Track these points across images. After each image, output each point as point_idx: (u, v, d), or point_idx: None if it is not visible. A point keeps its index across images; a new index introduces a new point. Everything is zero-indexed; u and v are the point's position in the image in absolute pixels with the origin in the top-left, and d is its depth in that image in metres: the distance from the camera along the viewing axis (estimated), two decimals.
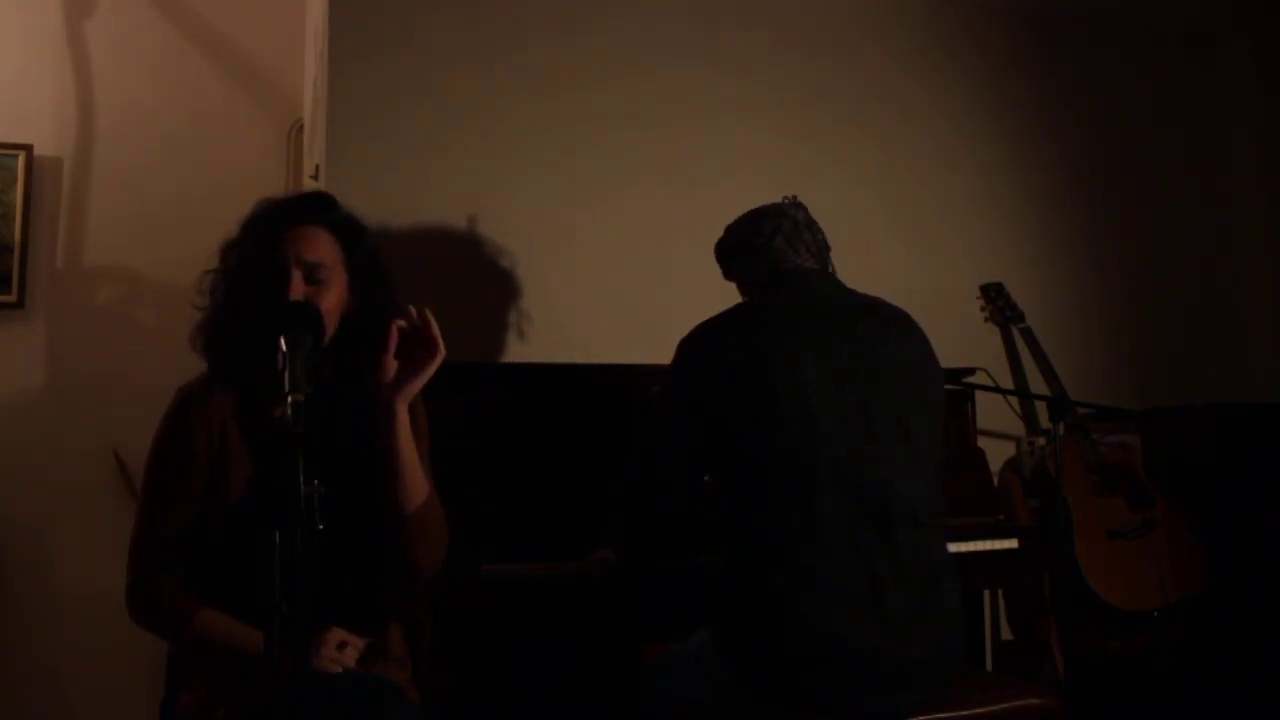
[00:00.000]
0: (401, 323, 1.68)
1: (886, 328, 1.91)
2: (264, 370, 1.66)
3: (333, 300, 1.72)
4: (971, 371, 2.91)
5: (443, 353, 1.68)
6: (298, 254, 1.69)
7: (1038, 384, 3.19)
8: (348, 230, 1.80)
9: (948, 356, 2.09)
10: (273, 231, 1.72)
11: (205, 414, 1.71)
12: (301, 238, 1.71)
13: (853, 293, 1.96)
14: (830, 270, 2.01)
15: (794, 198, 2.05)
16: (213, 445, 1.69)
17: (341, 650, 1.66)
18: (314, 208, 1.79)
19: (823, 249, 2.01)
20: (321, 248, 1.73)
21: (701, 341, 1.90)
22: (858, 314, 1.91)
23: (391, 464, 1.68)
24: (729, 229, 2.08)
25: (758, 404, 1.77)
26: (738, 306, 1.98)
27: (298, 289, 1.67)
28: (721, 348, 1.86)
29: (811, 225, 2.01)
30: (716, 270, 2.18)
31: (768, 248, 1.97)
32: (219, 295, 1.75)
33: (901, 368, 1.87)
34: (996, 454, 3.22)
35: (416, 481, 1.71)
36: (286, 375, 1.34)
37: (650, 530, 1.96)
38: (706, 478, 1.89)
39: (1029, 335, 3.21)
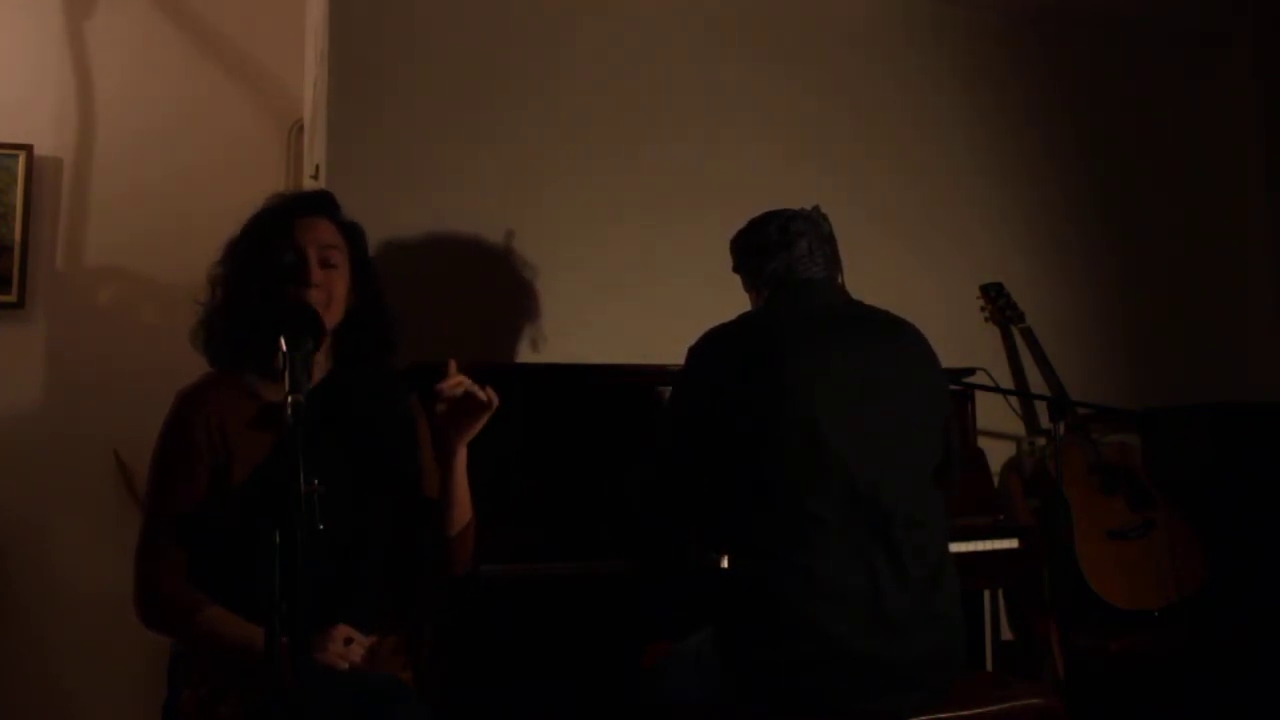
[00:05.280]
0: (449, 387, 1.73)
1: (889, 334, 1.93)
2: (267, 359, 1.71)
3: (343, 286, 1.80)
4: (971, 371, 2.91)
5: (495, 403, 1.75)
6: (313, 238, 1.77)
7: (1038, 384, 3.19)
8: (350, 229, 1.88)
9: (948, 356, 2.10)
10: (284, 220, 1.79)
11: (205, 414, 1.72)
12: (312, 226, 1.80)
13: (858, 302, 1.98)
14: (840, 282, 2.02)
15: (818, 208, 2.06)
16: (214, 444, 1.71)
17: (347, 646, 1.66)
18: (322, 202, 1.87)
19: (834, 262, 2.03)
20: (332, 235, 1.81)
21: (709, 347, 1.93)
22: (861, 322, 1.93)
23: (447, 495, 1.80)
24: (753, 222, 2.08)
25: (761, 407, 1.79)
26: (745, 315, 2.01)
27: (316, 272, 1.74)
28: (728, 353, 1.89)
29: (832, 239, 2.04)
30: (718, 274, 2.19)
31: (789, 248, 1.98)
32: (225, 289, 1.80)
33: (903, 373, 1.89)
34: (996, 454, 3.22)
35: (465, 507, 1.82)
36: (287, 375, 1.35)
37: (668, 533, 1.97)
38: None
39: (1029, 335, 3.22)
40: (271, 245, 1.76)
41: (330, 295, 1.76)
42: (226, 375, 1.78)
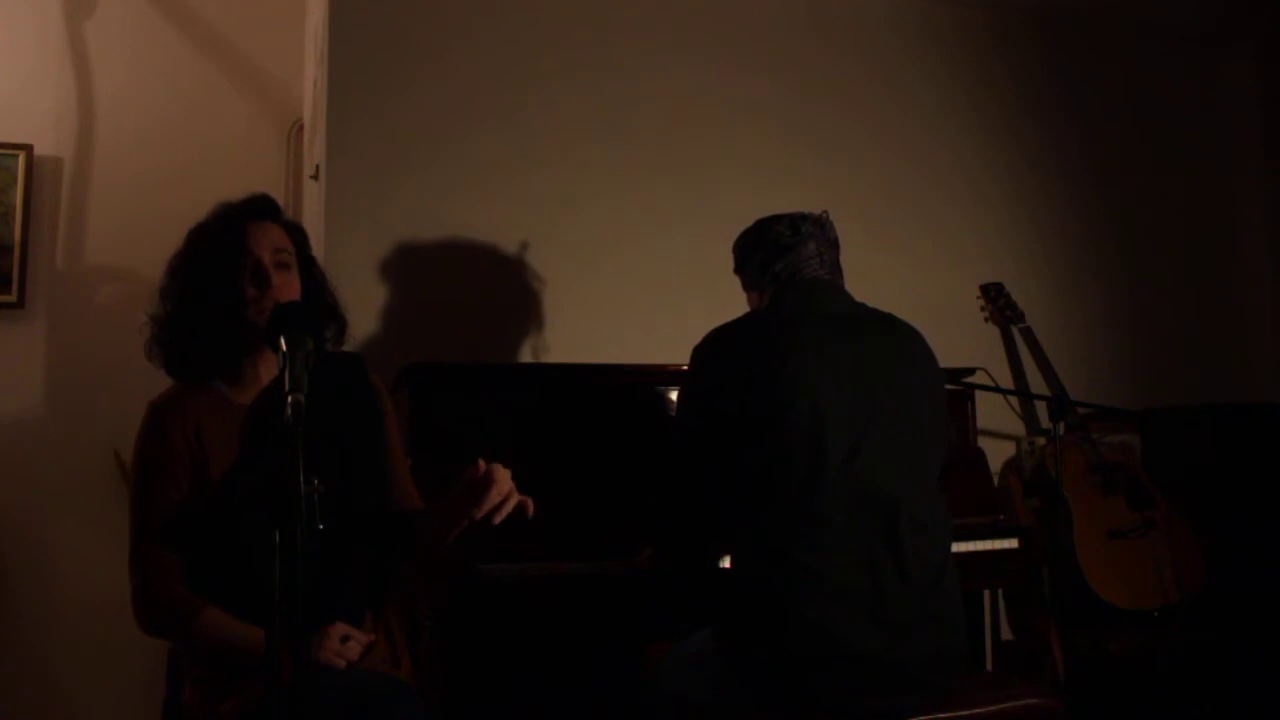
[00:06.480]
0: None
1: (891, 336, 1.93)
2: (232, 366, 1.73)
3: (297, 285, 1.83)
4: (971, 371, 2.91)
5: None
6: (266, 243, 1.80)
7: (1038, 384, 3.19)
8: (295, 229, 1.91)
9: (948, 356, 2.10)
10: (234, 228, 1.81)
11: (180, 419, 1.74)
12: (263, 231, 1.82)
13: (861, 305, 1.98)
14: (842, 286, 2.03)
15: (826, 213, 2.06)
16: (191, 447, 1.72)
17: (344, 644, 1.66)
18: (267, 207, 1.88)
19: (838, 268, 2.04)
20: (282, 238, 1.84)
21: (713, 347, 1.93)
22: (865, 324, 1.94)
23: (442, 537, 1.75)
24: (760, 222, 2.07)
25: (766, 407, 1.78)
26: (749, 315, 2.01)
27: (274, 274, 1.77)
28: (732, 353, 1.88)
29: (837, 245, 2.04)
30: (720, 275, 2.18)
31: (797, 248, 1.98)
32: (179, 302, 1.80)
33: (906, 375, 1.89)
34: (996, 454, 3.22)
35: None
36: (287, 375, 1.35)
37: (681, 533, 1.96)
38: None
39: (1029, 335, 3.22)
40: (226, 254, 1.78)
41: (288, 296, 1.79)
42: (194, 385, 1.79)
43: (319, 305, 1.88)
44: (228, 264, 1.77)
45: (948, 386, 2.31)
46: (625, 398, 2.53)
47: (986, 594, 2.96)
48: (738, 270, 2.12)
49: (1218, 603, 2.97)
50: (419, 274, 2.73)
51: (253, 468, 1.67)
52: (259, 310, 1.75)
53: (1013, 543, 2.51)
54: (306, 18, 3.27)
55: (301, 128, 3.34)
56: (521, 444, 2.41)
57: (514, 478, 1.77)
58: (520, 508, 1.72)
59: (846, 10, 3.28)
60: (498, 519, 1.70)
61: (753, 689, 1.74)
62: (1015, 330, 3.26)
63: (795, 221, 2.01)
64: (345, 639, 1.67)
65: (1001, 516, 2.71)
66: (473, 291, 2.78)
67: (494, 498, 1.68)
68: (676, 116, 3.03)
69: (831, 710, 1.71)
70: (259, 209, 1.86)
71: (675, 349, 2.12)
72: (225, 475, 1.70)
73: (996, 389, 3.05)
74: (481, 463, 1.71)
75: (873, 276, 2.38)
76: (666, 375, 2.52)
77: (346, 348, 1.99)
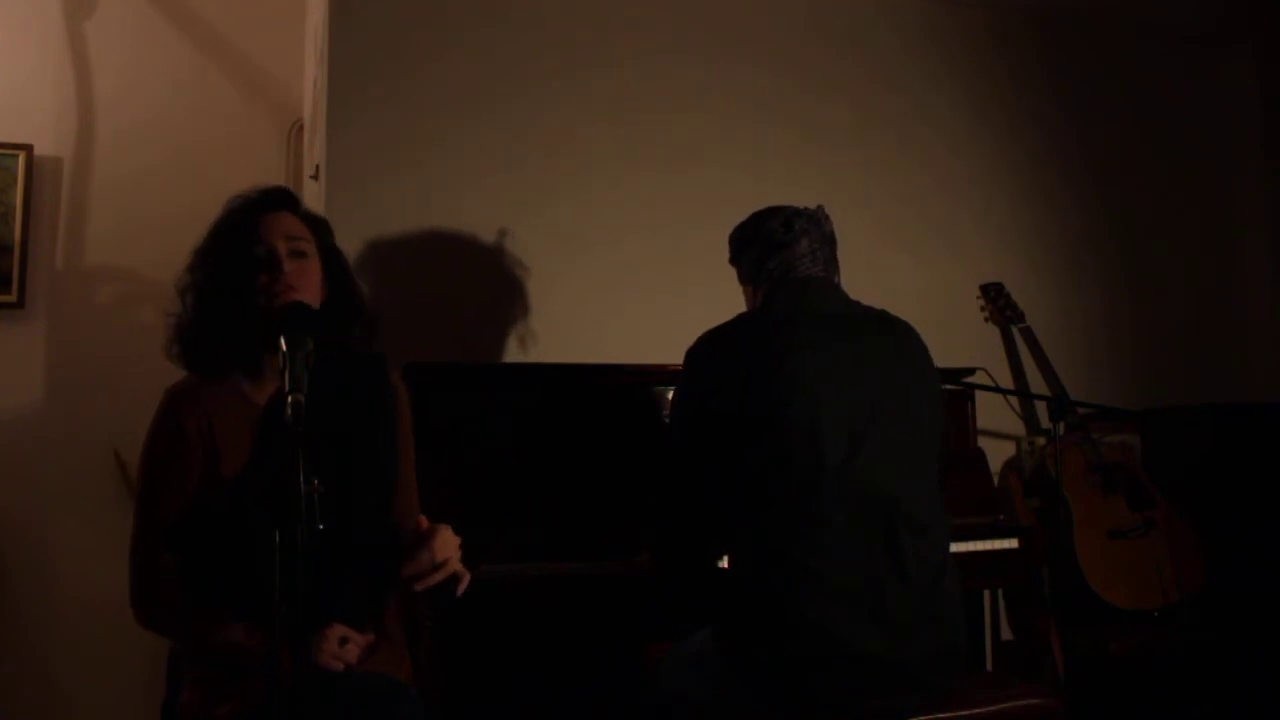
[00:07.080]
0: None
1: (888, 335, 1.93)
2: (252, 360, 1.70)
3: (316, 276, 1.78)
4: (971, 371, 2.91)
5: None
6: (280, 231, 1.76)
7: (1038, 384, 3.19)
8: (315, 221, 1.86)
9: (948, 356, 2.09)
10: (249, 218, 1.77)
11: (195, 410, 1.71)
12: (278, 220, 1.78)
13: (857, 303, 1.98)
14: (838, 283, 2.02)
15: (821, 208, 2.05)
16: (205, 440, 1.70)
17: (343, 646, 1.66)
18: (283, 198, 1.85)
19: (833, 263, 2.02)
20: (298, 228, 1.80)
21: (708, 348, 1.92)
22: (861, 323, 1.93)
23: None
24: (755, 216, 2.06)
25: (764, 407, 1.78)
26: (743, 315, 2.01)
27: (287, 262, 1.73)
28: (727, 354, 1.88)
29: (833, 241, 2.03)
30: (718, 267, 2.18)
31: (790, 246, 1.97)
32: (197, 296, 1.77)
33: (903, 374, 1.89)
34: (996, 454, 3.22)
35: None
36: (287, 375, 1.34)
37: (680, 534, 1.96)
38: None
39: (1029, 335, 3.22)
40: (240, 244, 1.75)
41: (305, 284, 1.75)
42: (214, 377, 1.77)
43: (341, 302, 1.83)
44: (241, 254, 1.74)
45: (947, 386, 2.32)
46: (625, 398, 2.53)
47: (986, 594, 2.96)
48: (733, 261, 2.11)
49: (1218, 603, 2.97)
50: (419, 273, 2.73)
51: (261, 468, 1.66)
52: (271, 296, 1.71)
53: (1013, 543, 2.51)
54: (306, 18, 3.27)
55: (301, 128, 3.34)
56: (521, 444, 2.41)
57: (514, 477, 1.73)
58: (452, 579, 1.65)
59: (845, 10, 3.28)
60: (420, 586, 1.64)
61: (753, 689, 1.74)
62: (1015, 330, 3.26)
63: (789, 218, 2.00)
64: (344, 641, 1.66)
65: (1001, 516, 2.71)
66: (474, 290, 2.78)
67: (423, 562, 1.64)
68: (675, 114, 3.03)
69: (831, 710, 1.71)
70: (274, 200, 1.82)
71: (673, 343, 2.12)
72: (237, 477, 1.68)
73: (996, 389, 3.05)
74: (423, 519, 1.67)
75: (873, 275, 2.38)
76: (666, 375, 2.52)
77: None
